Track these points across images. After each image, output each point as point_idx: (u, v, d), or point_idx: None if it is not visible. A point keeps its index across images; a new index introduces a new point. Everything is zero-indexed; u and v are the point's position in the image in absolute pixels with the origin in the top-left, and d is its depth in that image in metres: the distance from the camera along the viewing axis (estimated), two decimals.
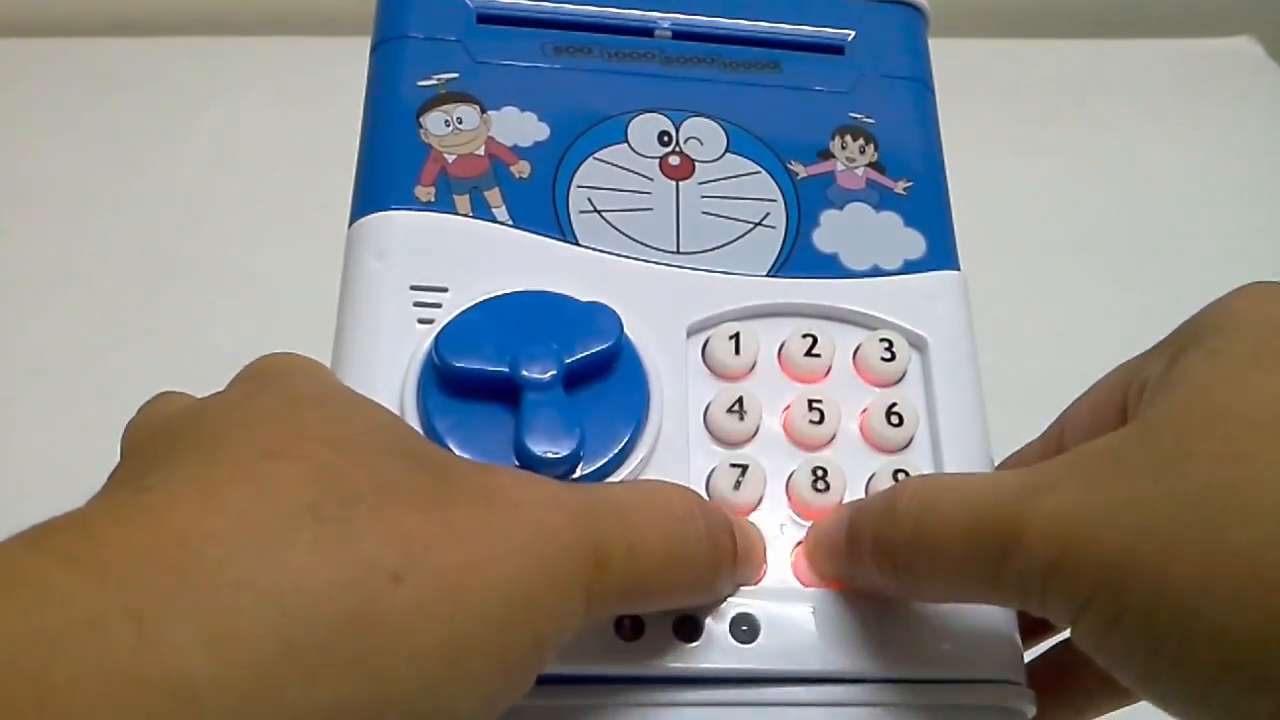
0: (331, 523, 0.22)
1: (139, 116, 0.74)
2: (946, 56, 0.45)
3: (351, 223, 0.35)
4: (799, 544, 0.32)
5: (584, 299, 0.33)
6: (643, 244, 0.35)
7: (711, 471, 0.32)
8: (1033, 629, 0.32)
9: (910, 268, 0.36)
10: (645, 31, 0.39)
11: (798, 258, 0.36)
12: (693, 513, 0.28)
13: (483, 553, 0.24)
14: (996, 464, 0.35)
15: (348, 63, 0.44)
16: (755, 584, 0.31)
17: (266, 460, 0.23)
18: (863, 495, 0.33)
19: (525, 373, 0.30)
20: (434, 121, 0.36)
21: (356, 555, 0.22)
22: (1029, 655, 0.33)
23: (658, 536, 0.27)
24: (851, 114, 0.39)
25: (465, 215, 0.34)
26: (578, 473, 0.31)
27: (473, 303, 0.33)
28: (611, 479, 0.31)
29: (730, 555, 0.29)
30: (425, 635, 0.22)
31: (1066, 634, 0.34)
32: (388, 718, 0.22)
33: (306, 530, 0.22)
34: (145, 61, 0.77)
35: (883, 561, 0.29)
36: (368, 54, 0.38)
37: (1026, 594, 0.26)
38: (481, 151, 0.36)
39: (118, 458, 0.27)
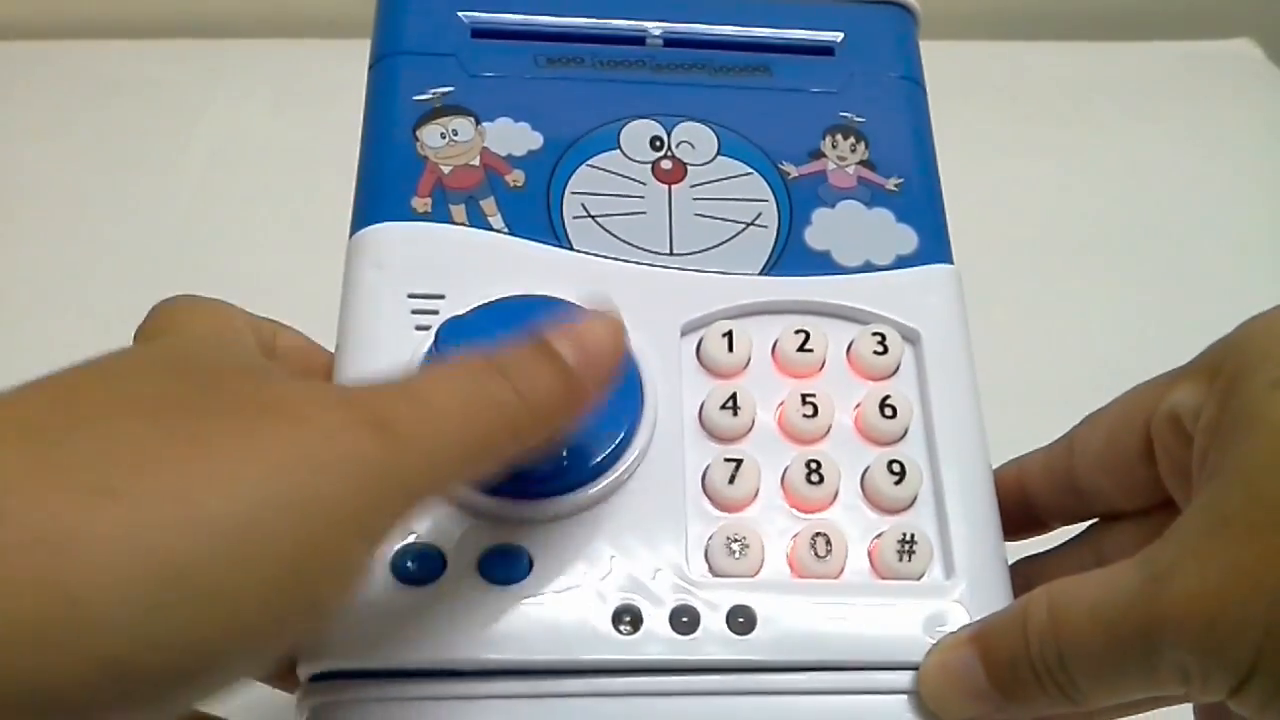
0: (43, 443, 0.21)
1: (138, 119, 0.74)
2: (947, 59, 0.45)
3: (351, 235, 0.36)
4: (795, 535, 0.32)
5: (580, 302, 0.33)
6: (636, 247, 0.36)
7: (707, 467, 0.33)
8: None
9: (903, 263, 0.36)
10: (636, 40, 0.39)
11: (790, 256, 0.36)
12: (490, 368, 0.26)
13: (228, 465, 0.22)
14: (994, 465, 0.35)
15: (348, 65, 0.44)
16: (606, 385, 0.28)
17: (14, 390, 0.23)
18: (857, 488, 0.33)
19: None
20: (430, 135, 0.37)
21: (58, 471, 0.21)
22: None
23: (449, 389, 0.25)
24: (842, 113, 0.39)
25: (461, 225, 0.35)
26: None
27: (471, 306, 0.33)
28: (606, 475, 0.31)
29: (558, 387, 0.27)
30: (134, 556, 0.20)
31: None
32: (87, 637, 0.20)
33: (10, 448, 0.21)
34: (145, 64, 0.77)
35: (1048, 684, 0.28)
36: (368, 57, 0.39)
37: (1187, 679, 0.26)
38: (476, 162, 0.36)
39: None
